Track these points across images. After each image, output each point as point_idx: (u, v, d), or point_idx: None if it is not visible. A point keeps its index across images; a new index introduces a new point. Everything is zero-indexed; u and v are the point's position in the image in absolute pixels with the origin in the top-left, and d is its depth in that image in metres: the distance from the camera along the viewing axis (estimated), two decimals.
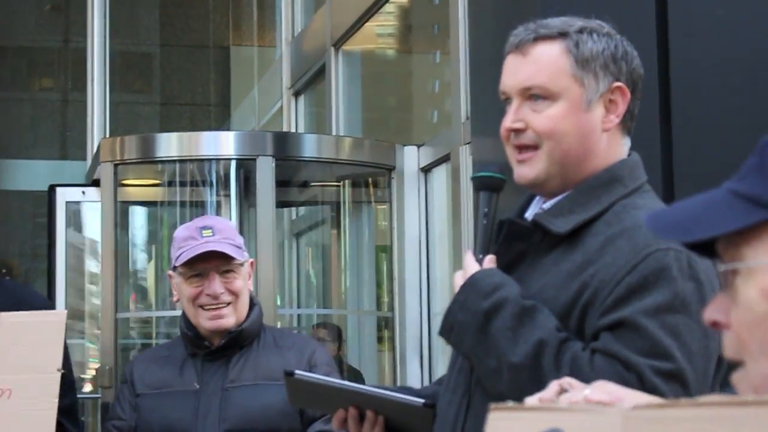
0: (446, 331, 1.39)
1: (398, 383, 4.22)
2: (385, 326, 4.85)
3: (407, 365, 4.42)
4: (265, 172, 4.05)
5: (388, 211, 4.62)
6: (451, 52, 4.20)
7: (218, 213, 4.35)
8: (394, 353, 4.55)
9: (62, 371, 1.87)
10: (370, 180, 4.81)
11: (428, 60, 5.72)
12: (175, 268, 2.20)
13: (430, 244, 4.52)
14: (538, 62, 1.31)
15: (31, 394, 1.90)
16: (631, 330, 1.18)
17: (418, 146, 4.64)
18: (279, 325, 4.47)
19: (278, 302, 4.60)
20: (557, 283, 1.26)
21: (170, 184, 4.31)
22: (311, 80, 6.03)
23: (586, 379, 1.10)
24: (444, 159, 4.45)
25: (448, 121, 4.58)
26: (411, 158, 4.59)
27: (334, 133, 5.15)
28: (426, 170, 4.63)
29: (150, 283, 5.51)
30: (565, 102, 1.28)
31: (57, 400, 1.90)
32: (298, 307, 5.47)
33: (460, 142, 4.02)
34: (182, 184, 4.29)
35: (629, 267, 1.20)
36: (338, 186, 4.93)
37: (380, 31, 6.07)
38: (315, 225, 5.43)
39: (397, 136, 5.50)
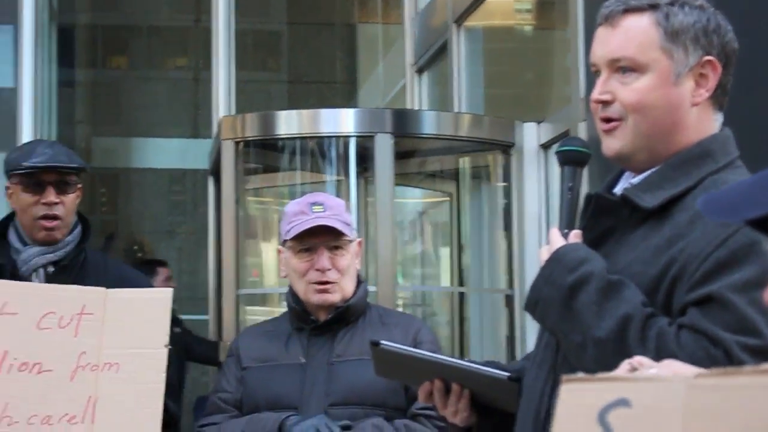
0: (531, 306, 1.40)
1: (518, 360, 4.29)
2: (506, 304, 4.91)
3: (527, 343, 4.46)
4: (384, 149, 4.16)
5: (508, 188, 4.65)
6: (569, 28, 4.17)
7: (338, 190, 4.51)
8: (513, 331, 4.61)
9: (169, 347, 1.95)
10: (489, 157, 4.83)
11: (550, 36, 5.72)
12: (284, 243, 2.28)
13: (551, 221, 4.50)
14: (626, 34, 1.30)
15: (139, 369, 1.97)
16: (718, 305, 1.17)
17: (538, 122, 4.63)
18: (400, 302, 4.62)
19: (399, 280, 4.74)
20: (645, 258, 1.25)
21: (290, 161, 4.51)
22: (434, 57, 6.15)
23: (673, 355, 1.13)
24: (563, 135, 4.37)
25: (567, 97, 4.55)
26: (531, 135, 4.57)
27: (456, 110, 5.23)
28: (546, 147, 4.61)
29: (271, 260, 5.82)
30: (653, 75, 1.26)
31: (164, 375, 1.97)
32: (419, 284, 5.60)
33: (579, 118, 3.96)
34: (302, 161, 4.46)
35: (718, 242, 1.19)
36: (457, 163, 5.01)
37: (501, 7, 6.09)
38: (434, 202, 5.55)
39: (519, 113, 5.50)
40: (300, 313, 2.30)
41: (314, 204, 2.25)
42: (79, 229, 2.44)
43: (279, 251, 2.38)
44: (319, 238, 2.22)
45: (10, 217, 2.46)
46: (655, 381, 0.84)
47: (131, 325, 2.04)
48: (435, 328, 4.60)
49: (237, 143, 4.30)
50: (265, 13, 9.80)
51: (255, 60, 9.80)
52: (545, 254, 1.39)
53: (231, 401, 2.35)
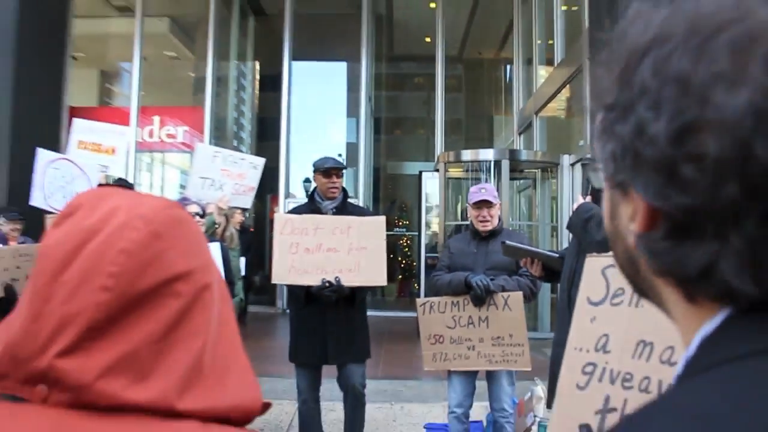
0: (569, 227, 3.09)
1: None
2: (551, 232, 10.55)
3: (564, 244, 10.01)
4: (506, 165, 10.25)
5: (555, 182, 10.19)
6: (582, 114, 9.53)
7: (492, 183, 10.41)
8: (559, 241, 10.34)
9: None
10: (549, 169, 10.39)
11: (578, 114, 10.67)
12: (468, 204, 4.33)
13: (574, 196, 9.57)
14: None
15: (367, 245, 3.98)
16: None
17: (569, 154, 9.97)
18: (511, 228, 10.55)
19: (510, 219, 10.66)
20: None
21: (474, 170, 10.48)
22: (526, 128, 12.11)
23: None
24: (580, 159, 9.57)
25: (581, 142, 9.62)
26: (565, 159, 9.96)
27: (535, 149, 11.35)
28: (572, 165, 9.99)
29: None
30: None
31: (385, 240, 4.06)
32: (518, 221, 11.50)
33: (586, 153, 8.75)
34: (479, 170, 10.39)
35: None
36: (536, 171, 10.91)
37: (555, 104, 11.41)
38: (524, 186, 11.44)
39: (562, 150, 10.79)
40: (475, 232, 4.23)
41: (482, 188, 4.22)
42: (342, 194, 4.32)
43: (467, 208, 4.45)
44: (483, 203, 4.16)
45: (315, 189, 4.40)
46: None
47: (368, 231, 4.06)
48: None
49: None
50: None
51: None
52: (575, 205, 3.00)
53: (446, 266, 4.28)
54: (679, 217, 0.48)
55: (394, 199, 18.25)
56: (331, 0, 15.28)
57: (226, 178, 5.81)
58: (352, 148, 14.71)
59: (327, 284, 3.89)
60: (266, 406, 0.80)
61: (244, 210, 7.93)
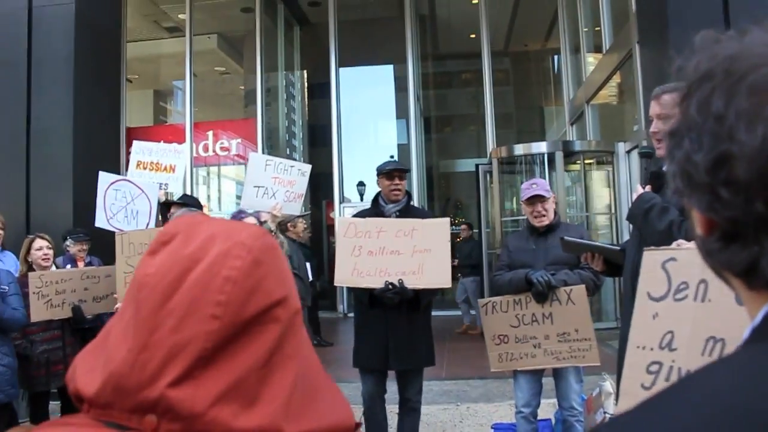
0: (629, 218, 2.86)
1: None
2: (609, 220, 10.29)
3: (624, 234, 9.79)
4: (560, 156, 10.08)
5: (612, 170, 10.16)
6: (635, 99, 9.09)
7: (544, 176, 10.31)
8: (617, 230, 10.14)
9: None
10: (603, 156, 10.24)
11: (631, 100, 10.20)
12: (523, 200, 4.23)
13: (633, 184, 9.47)
14: (661, 102, 2.51)
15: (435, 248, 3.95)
16: None
17: (624, 141, 9.80)
18: (568, 220, 10.24)
19: (567, 211, 10.52)
20: None
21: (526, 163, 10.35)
22: (578, 118, 11.95)
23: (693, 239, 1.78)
24: (636, 147, 9.15)
25: (637, 129, 9.34)
26: (621, 147, 9.77)
27: (589, 138, 11.20)
28: (628, 152, 9.67)
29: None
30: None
31: (449, 242, 4.00)
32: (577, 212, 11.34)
33: (642, 140, 8.46)
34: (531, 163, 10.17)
35: None
36: (588, 159, 10.78)
37: (605, 92, 11.21)
38: (576, 176, 11.35)
39: (617, 136, 10.53)
40: (533, 228, 4.19)
41: (533, 183, 4.20)
42: (406, 197, 4.31)
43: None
44: (536, 198, 4.13)
45: (378, 193, 4.35)
46: (688, 249, 1.62)
47: (432, 233, 4.03)
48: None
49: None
50: None
51: None
52: (635, 195, 2.76)
53: (506, 264, 4.25)
54: (726, 226, 0.59)
55: (448, 197, 18.23)
56: (374, 5, 15.34)
57: (278, 185, 5.87)
58: (403, 150, 14.76)
59: (390, 286, 3.88)
60: (358, 426, 0.81)
61: (300, 217, 8.00)
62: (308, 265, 8.37)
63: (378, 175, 4.31)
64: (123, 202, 6.15)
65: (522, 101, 17.92)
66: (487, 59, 13.40)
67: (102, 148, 8.22)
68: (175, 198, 6.42)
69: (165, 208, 5.56)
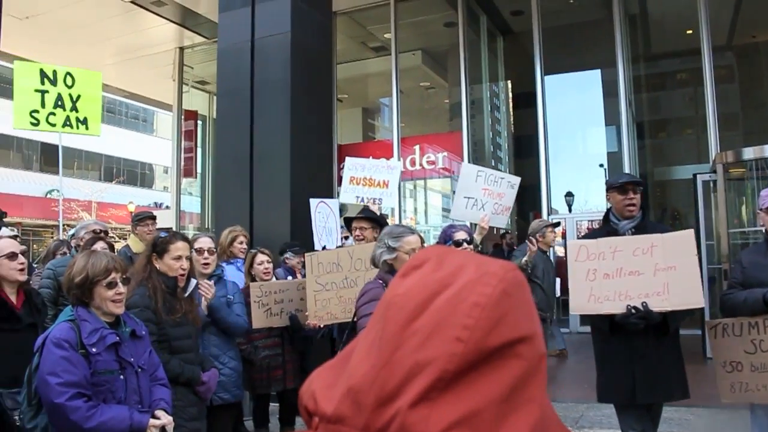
0: None
1: None
2: None
3: None
4: None
5: None
6: None
7: None
8: None
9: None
10: None
11: None
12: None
13: None
14: None
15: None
16: None
17: None
18: None
19: None
20: None
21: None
22: None
23: None
24: None
25: None
26: None
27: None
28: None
29: None
30: None
31: (696, 256, 3.62)
32: None
33: None
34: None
35: None
36: None
37: None
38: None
39: None
40: None
41: None
42: (641, 212, 3.97)
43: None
44: None
45: (609, 210, 4.14)
46: None
47: (675, 248, 3.64)
48: None
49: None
50: None
51: None
52: None
53: (739, 282, 3.78)
54: None
55: (664, 208, 17.02)
56: (579, 9, 14.87)
57: (488, 197, 5.88)
58: (613, 158, 14.10)
59: (633, 311, 3.58)
60: None
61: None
62: (558, 280, 8.33)
63: (609, 189, 4.03)
64: (323, 222, 6.57)
65: (749, 100, 16.27)
66: (708, 56, 12.37)
67: (316, 166, 8.72)
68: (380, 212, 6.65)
69: (347, 222, 5.80)
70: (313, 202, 6.89)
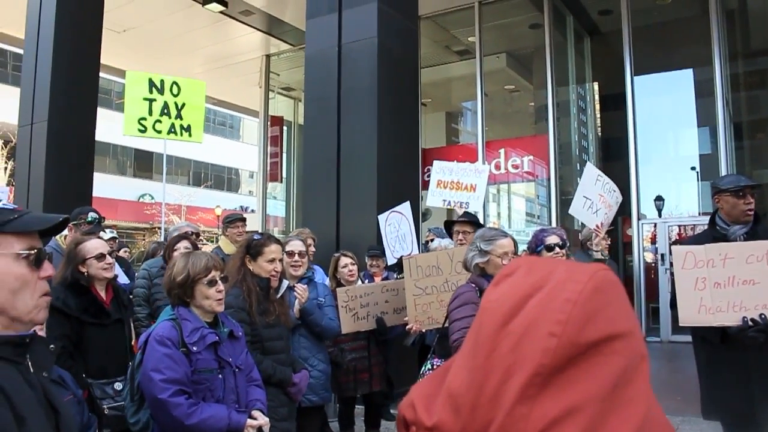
0: None
1: None
2: None
3: None
4: None
5: None
6: None
7: None
8: None
9: None
10: None
11: None
12: None
13: None
14: None
15: None
16: None
17: None
18: None
19: None
20: None
21: None
22: None
23: None
24: None
25: None
26: None
27: None
28: None
29: None
30: None
31: None
32: None
33: None
34: None
35: None
36: None
37: None
38: None
39: None
40: None
41: None
42: (753, 217, 3.62)
43: None
44: None
45: (715, 213, 3.79)
46: None
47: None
48: None
49: None
50: None
51: None
52: None
53: None
54: None
55: (765, 212, 16.09)
56: (671, 6, 14.33)
57: (601, 204, 5.77)
58: (707, 160, 13.52)
59: (750, 323, 3.33)
60: None
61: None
62: None
63: (720, 192, 3.76)
64: (395, 231, 6.57)
65: None
66: None
67: (402, 170, 8.72)
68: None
69: (447, 226, 5.78)
70: (382, 217, 6.91)
